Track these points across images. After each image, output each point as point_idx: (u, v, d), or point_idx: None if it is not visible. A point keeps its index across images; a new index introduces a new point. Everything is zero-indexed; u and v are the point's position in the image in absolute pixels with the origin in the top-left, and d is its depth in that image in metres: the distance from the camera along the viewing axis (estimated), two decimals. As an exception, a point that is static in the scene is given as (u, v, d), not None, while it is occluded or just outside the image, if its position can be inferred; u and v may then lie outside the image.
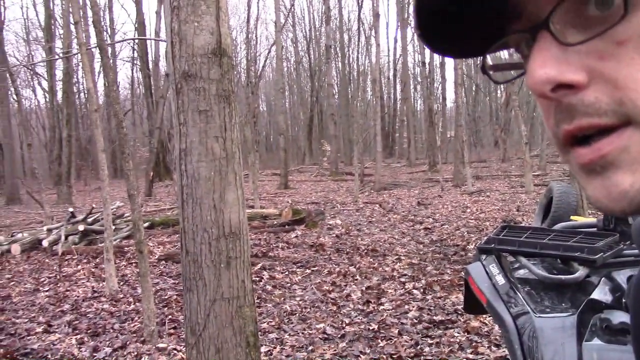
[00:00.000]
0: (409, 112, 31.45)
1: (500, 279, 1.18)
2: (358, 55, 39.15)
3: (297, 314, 4.68)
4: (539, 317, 0.98)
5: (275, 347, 3.88)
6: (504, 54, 0.47)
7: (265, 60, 30.31)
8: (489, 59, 0.46)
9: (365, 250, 7.33)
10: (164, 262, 7.14)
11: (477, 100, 37.26)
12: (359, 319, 4.47)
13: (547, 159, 20.44)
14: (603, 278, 1.02)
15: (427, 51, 27.08)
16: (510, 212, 10.20)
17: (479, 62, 0.47)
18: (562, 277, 1.09)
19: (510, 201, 11.91)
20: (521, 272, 1.24)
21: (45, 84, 28.58)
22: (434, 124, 23.51)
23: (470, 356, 3.55)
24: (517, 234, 1.32)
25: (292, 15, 35.92)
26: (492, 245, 1.28)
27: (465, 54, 0.46)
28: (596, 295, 0.95)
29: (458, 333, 3.98)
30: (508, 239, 1.29)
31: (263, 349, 3.71)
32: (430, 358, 3.56)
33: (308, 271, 6.32)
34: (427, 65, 26.90)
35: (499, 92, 37.77)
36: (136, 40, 26.16)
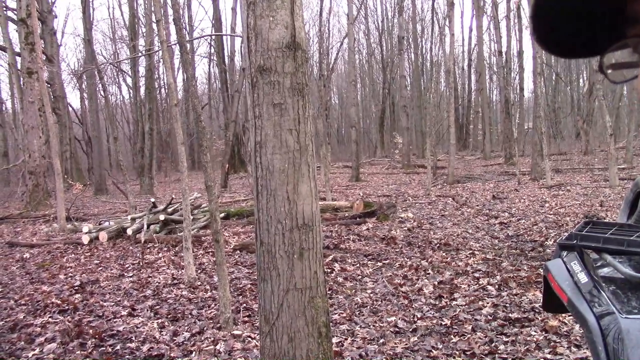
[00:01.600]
0: (484, 103, 30.51)
1: (582, 277, 1.12)
2: (431, 46, 38.32)
3: (368, 307, 4.68)
4: (626, 318, 0.93)
5: (346, 339, 3.91)
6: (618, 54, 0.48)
7: (337, 53, 30.44)
8: (607, 59, 0.47)
9: (438, 244, 7.21)
10: (238, 251, 7.35)
11: (557, 90, 35.55)
12: (431, 313, 4.42)
13: (635, 151, 19.25)
14: (697, 279, 0.95)
15: (504, 40, 26.16)
16: (592, 207, 9.69)
17: (596, 61, 0.49)
18: None
19: (592, 196, 11.31)
20: (605, 271, 1.18)
21: (129, 80, 30.06)
22: (511, 115, 22.67)
23: (549, 356, 3.42)
24: (601, 230, 1.25)
25: (365, 7, 35.70)
26: (574, 242, 1.22)
27: (582, 54, 0.49)
28: (689, 296, 0.89)
29: (535, 332, 3.84)
30: (591, 235, 1.22)
31: (334, 340, 3.75)
32: (506, 356, 3.46)
33: (379, 264, 6.30)
34: (503, 55, 25.94)
35: (581, 81, 35.93)
36: (213, 36, 26.93)
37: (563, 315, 3.82)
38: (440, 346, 3.69)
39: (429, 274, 5.73)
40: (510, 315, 4.24)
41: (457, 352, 3.55)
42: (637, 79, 0.43)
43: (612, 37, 0.45)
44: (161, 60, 20.81)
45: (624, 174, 14.55)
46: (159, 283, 5.96)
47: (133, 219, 9.29)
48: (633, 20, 0.42)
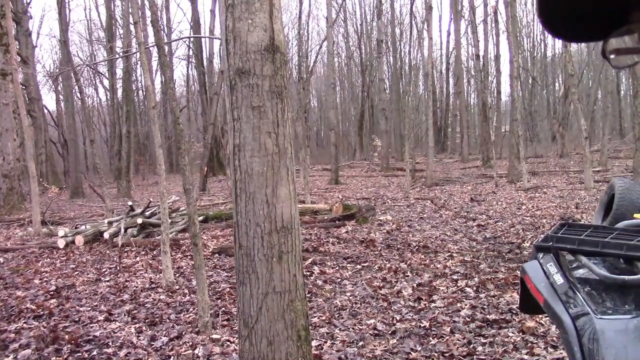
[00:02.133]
0: (461, 107, 30.85)
1: (558, 278, 1.14)
2: (410, 49, 38.63)
3: (348, 309, 4.69)
4: (600, 318, 0.94)
5: (325, 342, 3.90)
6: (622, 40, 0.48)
7: (316, 56, 30.48)
8: (610, 44, 0.47)
9: (417, 247, 7.26)
10: (217, 255, 7.30)
11: (533, 94, 36.09)
12: (410, 315, 4.44)
13: (609, 154, 19.64)
14: (669, 279, 0.97)
15: (482, 44, 26.52)
16: (568, 209, 9.85)
17: (598, 46, 0.49)
18: (625, 277, 1.04)
19: (568, 198, 11.50)
20: (581, 272, 1.19)
21: (106, 83, 29.66)
22: (488, 119, 22.95)
23: (526, 357, 3.46)
24: (576, 231, 1.27)
25: (344, 10, 35.79)
26: (550, 243, 1.24)
27: (585, 38, 0.48)
28: (662, 297, 0.91)
29: (513, 333, 3.88)
30: (567, 237, 1.24)
31: (314, 343, 3.74)
32: (484, 357, 3.49)
33: (358, 267, 6.31)
34: (481, 59, 26.26)
35: (557, 85, 36.55)
36: (192, 39, 26.77)
37: (540, 316, 3.87)
38: (419, 348, 3.70)
39: (407, 276, 5.76)
40: (488, 316, 4.28)
41: (436, 354, 3.57)
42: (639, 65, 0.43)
43: (615, 22, 0.45)
44: (139, 62, 20.60)
45: (599, 177, 14.82)
46: (137, 287, 5.88)
47: (110, 223, 9.15)
48: (637, 6, 0.42)
